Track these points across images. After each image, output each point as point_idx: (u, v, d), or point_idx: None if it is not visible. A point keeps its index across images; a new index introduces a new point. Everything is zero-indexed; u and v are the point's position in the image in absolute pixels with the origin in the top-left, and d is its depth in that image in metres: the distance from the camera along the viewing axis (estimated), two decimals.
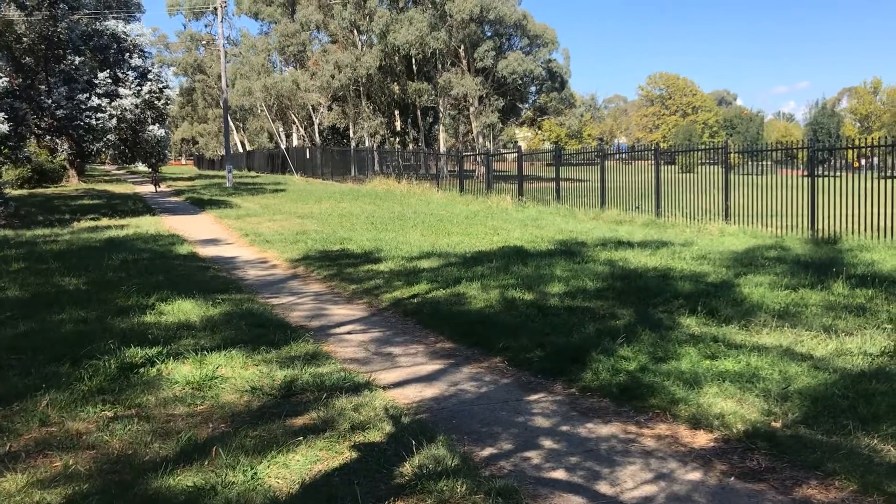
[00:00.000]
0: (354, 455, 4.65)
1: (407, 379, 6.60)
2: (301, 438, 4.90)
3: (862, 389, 5.68)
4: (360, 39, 52.78)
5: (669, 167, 23.05)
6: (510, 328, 7.94)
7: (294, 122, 64.00)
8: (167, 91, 28.19)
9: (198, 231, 19.72)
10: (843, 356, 6.70)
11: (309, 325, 8.70)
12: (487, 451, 4.85)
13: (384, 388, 6.23)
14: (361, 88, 52.27)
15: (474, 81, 48.08)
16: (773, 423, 5.17)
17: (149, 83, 26.77)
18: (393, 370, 6.89)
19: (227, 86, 43.74)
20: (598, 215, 20.74)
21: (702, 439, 5.01)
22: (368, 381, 6.30)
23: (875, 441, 4.82)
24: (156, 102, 27.28)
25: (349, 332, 8.47)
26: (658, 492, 4.23)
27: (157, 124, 27.75)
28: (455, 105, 52.87)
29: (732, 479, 4.40)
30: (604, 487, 4.30)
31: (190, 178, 35.10)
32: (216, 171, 68.22)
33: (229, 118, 44.97)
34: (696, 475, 4.45)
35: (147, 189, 38.56)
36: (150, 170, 35.82)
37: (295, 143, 64.75)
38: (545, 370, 6.67)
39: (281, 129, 65.87)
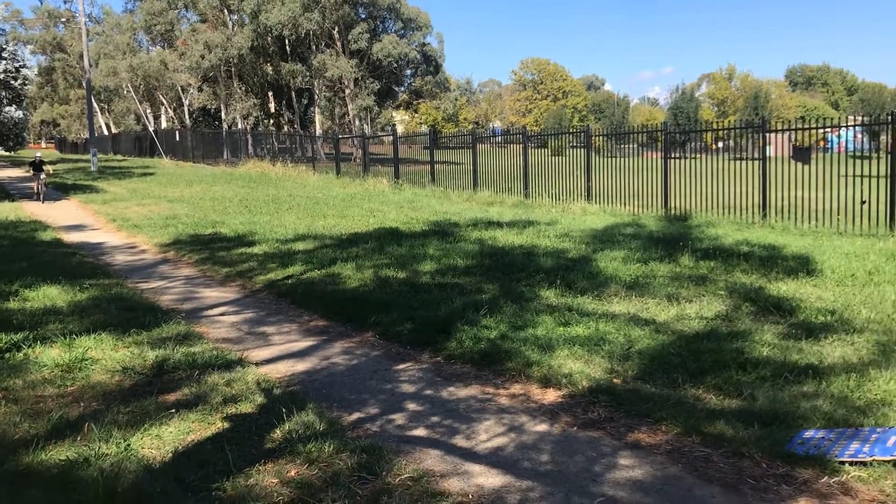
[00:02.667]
0: (227, 425, 4.86)
1: (280, 355, 6.81)
2: (174, 412, 5.06)
3: (694, 348, 6.35)
4: (230, 19, 51.49)
5: (541, 150, 23.91)
6: (382, 305, 8.25)
7: (163, 104, 61.77)
8: (24, 70, 26.77)
9: (62, 217, 18.98)
10: (682, 320, 7.40)
11: (181, 308, 8.73)
12: (355, 416, 5.17)
13: (257, 364, 6.43)
14: (233, 69, 51.05)
15: (349, 64, 47.87)
16: (615, 380, 5.73)
17: (3, 62, 25.35)
18: (266, 348, 7.08)
19: (90, 66, 41.73)
20: (471, 197, 21.35)
21: (551, 396, 5.50)
22: (241, 359, 6.47)
23: (700, 391, 5.45)
24: (11, 82, 25.89)
25: (222, 314, 8.56)
26: (508, 442, 4.67)
27: (14, 105, 26.34)
28: (331, 87, 52.46)
29: (575, 428, 4.90)
30: (461, 441, 4.70)
31: (52, 163, 33.40)
32: (80, 154, 65.02)
33: (93, 99, 42.98)
34: (543, 427, 4.93)
35: (4, 174, 36.41)
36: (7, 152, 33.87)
37: (164, 125, 62.53)
38: (414, 342, 7.04)
39: (149, 111, 63.42)
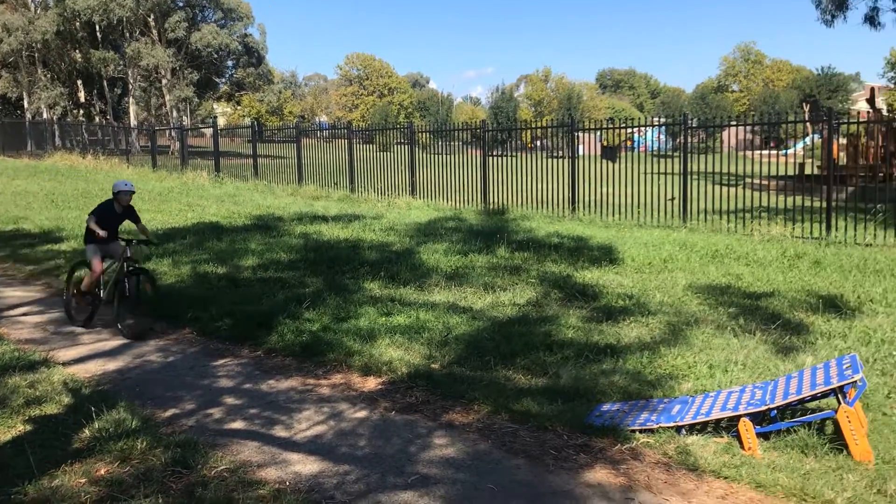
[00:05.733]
0: (29, 428, 4.61)
1: (89, 355, 6.51)
2: None
3: (506, 333, 6.71)
4: (33, 1, 47.70)
5: (368, 146, 23.98)
6: (201, 300, 8.05)
7: None
8: None
9: None
10: (497, 307, 7.78)
11: None
12: (170, 412, 5.05)
13: (64, 364, 6.12)
14: (37, 55, 47.33)
15: (166, 53, 45.73)
16: (433, 365, 5.95)
17: None
18: (74, 347, 6.74)
19: None
20: (296, 191, 21.13)
21: (371, 384, 5.64)
22: (46, 359, 6.13)
23: (511, 372, 5.78)
24: None
25: (25, 314, 8.04)
26: (327, 430, 4.75)
27: None
28: (146, 77, 49.86)
29: (393, 413, 5.06)
30: (279, 432, 4.73)
31: None
32: None
33: None
34: (362, 413, 5.05)
35: None
36: None
37: None
38: (234, 337, 6.95)
39: None
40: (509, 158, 17.37)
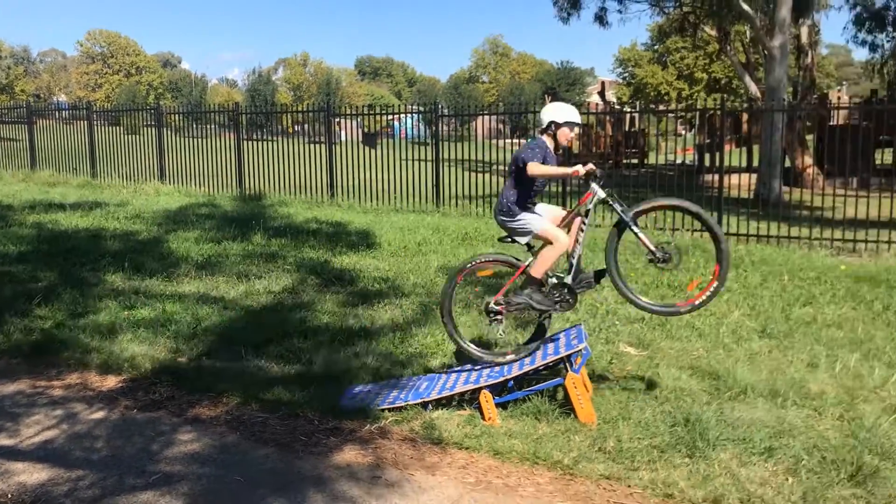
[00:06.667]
0: None
1: None
2: None
3: (259, 321, 6.60)
4: None
5: (115, 128, 22.34)
6: None
7: None
8: None
9: None
10: (251, 296, 7.61)
11: None
12: None
13: None
14: None
15: None
16: (180, 359, 5.71)
17: None
18: None
19: None
20: (29, 177, 19.25)
21: (111, 382, 5.29)
22: None
23: (263, 361, 5.70)
24: None
25: None
26: (59, 434, 4.40)
27: None
28: None
29: (135, 411, 4.79)
30: (3, 440, 4.30)
31: None
32: None
33: None
34: (100, 414, 4.73)
35: None
36: None
37: None
38: None
39: None
40: (268, 143, 17.00)
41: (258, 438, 4.38)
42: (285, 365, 5.62)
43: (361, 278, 8.37)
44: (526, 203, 5.10)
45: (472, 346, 5.28)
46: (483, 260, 5.39)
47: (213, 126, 21.78)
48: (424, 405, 4.78)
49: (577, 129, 5.23)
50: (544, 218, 5.11)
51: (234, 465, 4.04)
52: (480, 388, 4.74)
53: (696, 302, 4.79)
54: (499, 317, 5.22)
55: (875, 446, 4.25)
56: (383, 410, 4.72)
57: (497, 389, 4.84)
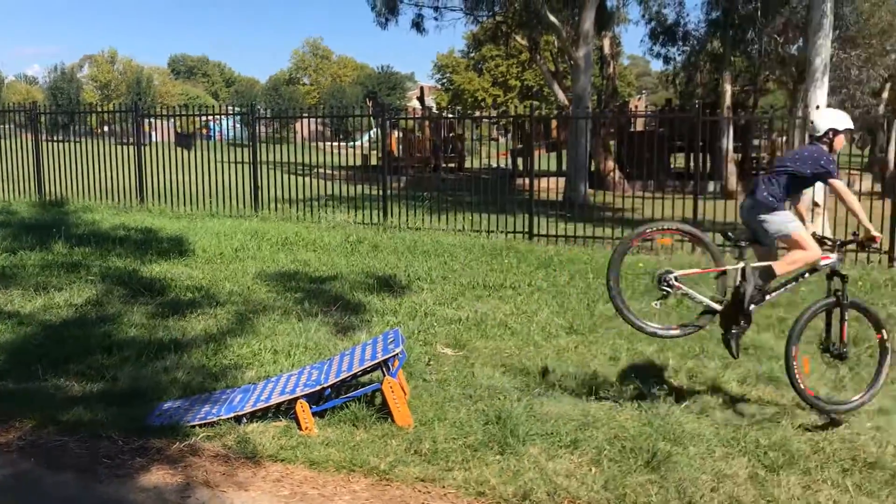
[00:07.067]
0: None
1: None
2: None
3: (59, 337, 6.16)
4: None
5: None
6: None
7: None
8: None
9: None
10: (50, 310, 7.09)
11: None
12: None
13: None
14: None
15: None
16: None
17: None
18: None
19: None
20: None
21: None
22: None
23: (62, 380, 5.33)
24: None
25: None
26: None
27: None
28: None
29: None
30: None
31: None
32: None
33: None
34: None
35: None
36: None
37: None
38: None
39: None
40: (71, 144, 15.88)
41: (55, 464, 4.09)
42: (87, 383, 5.29)
43: (173, 287, 8.02)
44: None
45: (634, 316, 4.96)
46: (667, 227, 5.13)
47: (9, 126, 20.09)
48: (238, 419, 4.65)
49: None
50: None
51: (27, 494, 3.75)
52: (297, 398, 4.68)
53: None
54: (668, 289, 4.86)
55: (668, 433, 4.60)
56: (194, 427, 4.54)
57: (314, 398, 4.80)
